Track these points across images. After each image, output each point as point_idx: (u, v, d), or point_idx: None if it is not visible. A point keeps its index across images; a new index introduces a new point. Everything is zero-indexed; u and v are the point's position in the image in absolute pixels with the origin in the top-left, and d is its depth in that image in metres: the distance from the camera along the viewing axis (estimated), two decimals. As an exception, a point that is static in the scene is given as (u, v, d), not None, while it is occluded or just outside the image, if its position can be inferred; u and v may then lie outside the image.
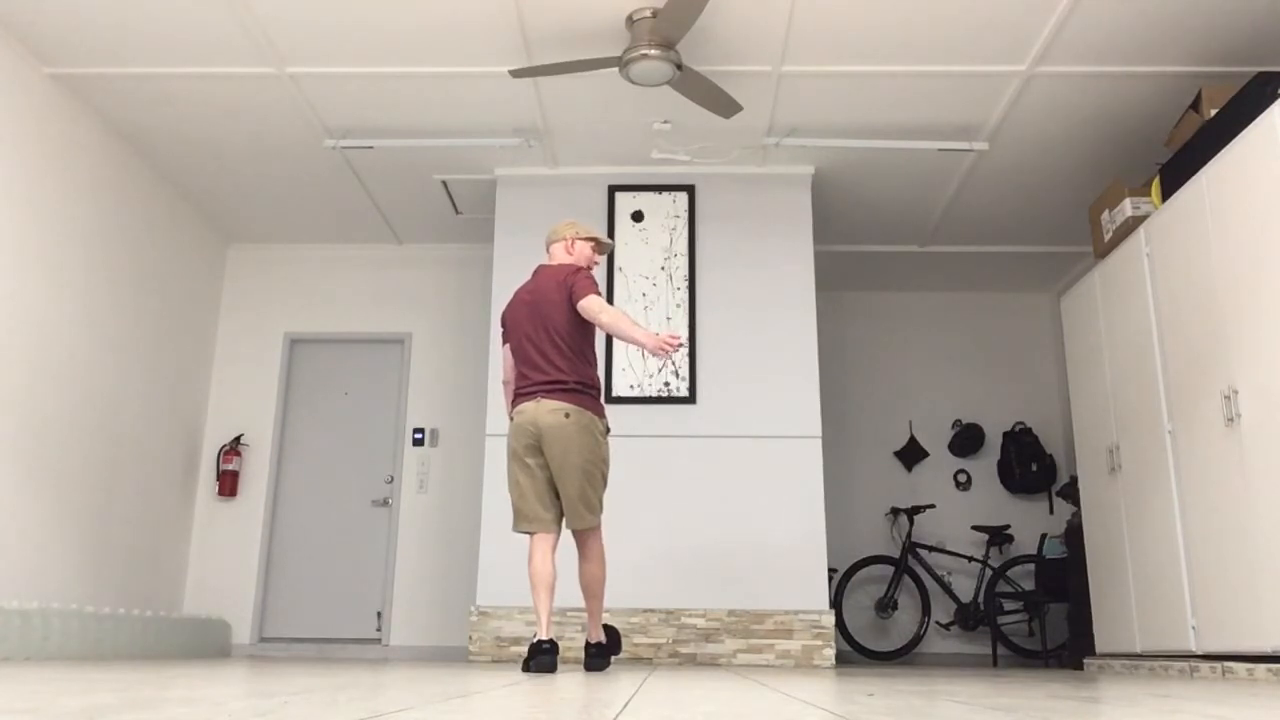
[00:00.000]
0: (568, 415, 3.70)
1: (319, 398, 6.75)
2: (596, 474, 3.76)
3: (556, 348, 3.78)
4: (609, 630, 3.96)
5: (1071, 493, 6.38)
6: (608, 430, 3.85)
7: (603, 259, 5.66)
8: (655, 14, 4.31)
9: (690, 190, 5.78)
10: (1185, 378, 4.31)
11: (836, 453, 7.31)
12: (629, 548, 5.26)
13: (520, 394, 3.81)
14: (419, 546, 6.43)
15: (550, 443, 3.70)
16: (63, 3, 4.36)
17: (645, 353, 3.78)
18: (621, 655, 5.06)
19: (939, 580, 6.84)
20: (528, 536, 4.11)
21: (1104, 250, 5.13)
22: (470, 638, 5.18)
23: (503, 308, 5.63)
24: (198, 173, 5.95)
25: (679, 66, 4.37)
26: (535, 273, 3.98)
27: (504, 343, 4.00)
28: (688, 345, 5.53)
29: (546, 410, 3.70)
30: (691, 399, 5.46)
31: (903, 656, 6.67)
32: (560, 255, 4.02)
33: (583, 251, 4.03)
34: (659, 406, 5.46)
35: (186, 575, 6.38)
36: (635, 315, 5.58)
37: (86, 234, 5.28)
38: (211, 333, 6.73)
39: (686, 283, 5.63)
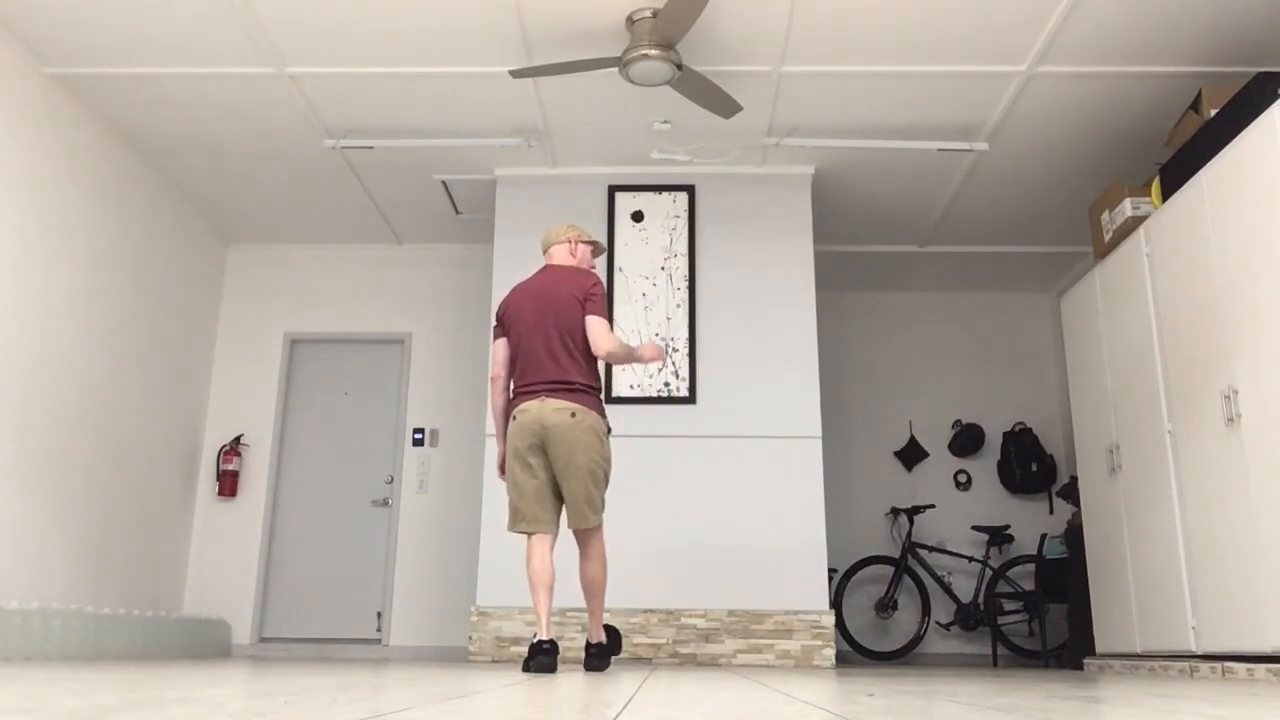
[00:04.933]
0: (573, 415, 3.69)
1: (319, 398, 6.75)
2: (600, 474, 3.76)
3: (566, 349, 3.78)
4: (609, 630, 3.96)
5: (1071, 493, 6.38)
6: (609, 430, 3.85)
7: (600, 260, 5.70)
8: (655, 14, 4.31)
9: (690, 190, 5.78)
10: (1185, 378, 4.31)
11: (836, 453, 7.31)
12: (629, 548, 5.26)
13: (523, 392, 3.79)
14: (419, 546, 6.43)
15: (555, 442, 3.69)
16: (63, 3, 4.36)
17: (646, 358, 3.88)
18: (621, 655, 5.06)
19: (939, 580, 6.84)
20: (525, 537, 4.11)
21: (1104, 250, 5.13)
22: (470, 638, 5.18)
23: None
24: (198, 173, 5.95)
25: (679, 66, 4.37)
26: (543, 271, 3.97)
27: (497, 338, 3.97)
28: (688, 345, 5.53)
29: (552, 409, 3.70)
30: (691, 399, 5.46)
31: (903, 656, 6.67)
32: (563, 256, 4.02)
33: (583, 255, 4.05)
34: (659, 406, 5.46)
35: (186, 575, 6.38)
36: (635, 315, 5.58)
37: (86, 234, 5.28)
38: (211, 333, 6.73)
39: (686, 283, 5.63)
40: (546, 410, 3.70)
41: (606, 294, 5.54)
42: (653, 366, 5.50)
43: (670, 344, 5.54)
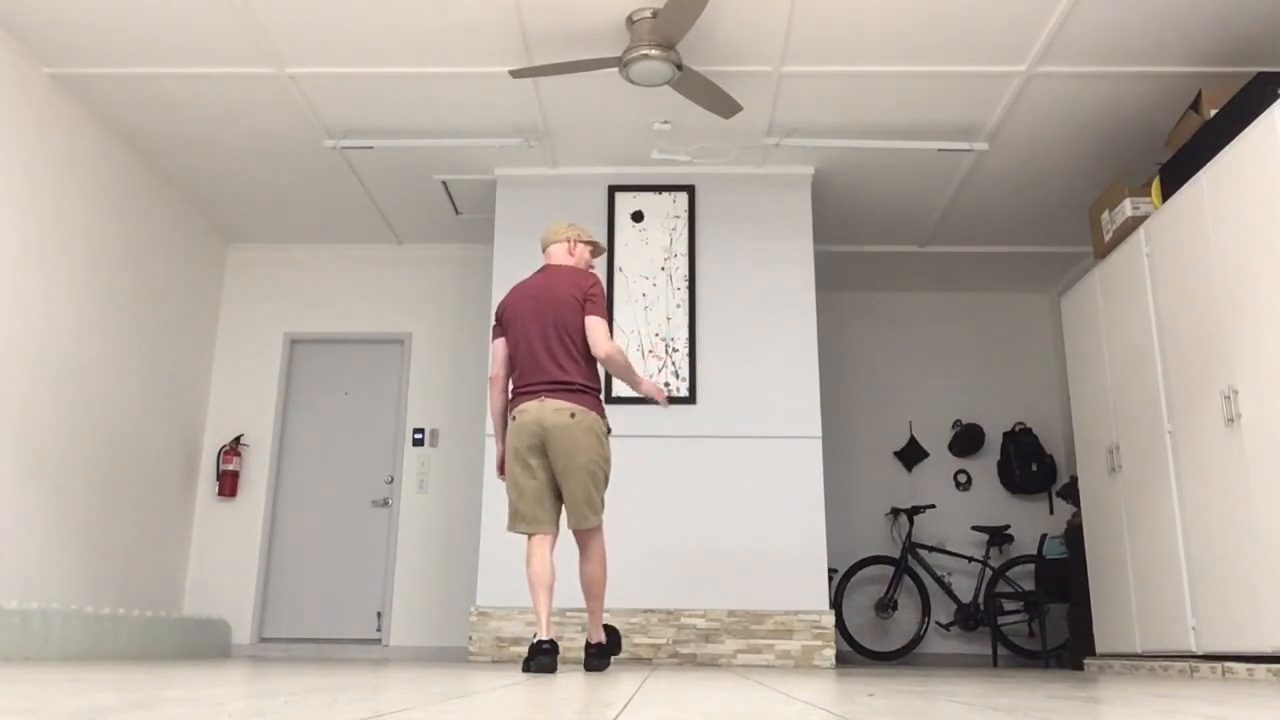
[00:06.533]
0: (573, 415, 3.69)
1: (319, 398, 6.75)
2: (600, 474, 3.76)
3: (566, 349, 3.77)
4: (609, 630, 3.95)
5: (1071, 493, 6.38)
6: (609, 430, 3.85)
7: (599, 261, 5.69)
8: (655, 14, 4.31)
9: (690, 190, 5.78)
10: (1185, 378, 4.31)
11: (836, 453, 7.31)
12: (629, 548, 5.26)
13: (522, 393, 3.79)
14: (419, 546, 6.43)
15: (555, 442, 3.69)
16: (63, 3, 4.36)
17: (643, 390, 3.90)
18: (622, 655, 5.06)
19: (939, 580, 6.84)
20: (525, 537, 4.11)
21: (1104, 250, 5.13)
22: (470, 638, 5.18)
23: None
24: (198, 173, 5.95)
25: (679, 66, 4.37)
26: (542, 271, 3.97)
27: (496, 338, 3.97)
28: (688, 345, 5.53)
29: (551, 410, 3.70)
30: (691, 399, 5.46)
31: (903, 657, 6.67)
32: (561, 256, 4.02)
33: (582, 254, 4.04)
34: (659, 406, 5.46)
35: (186, 575, 6.38)
36: (635, 315, 5.58)
37: (86, 234, 5.28)
38: (211, 333, 6.73)
39: (686, 283, 5.63)
40: (546, 411, 3.70)
41: (606, 294, 5.59)
42: (654, 364, 5.50)
43: (670, 344, 5.54)
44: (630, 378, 3.86)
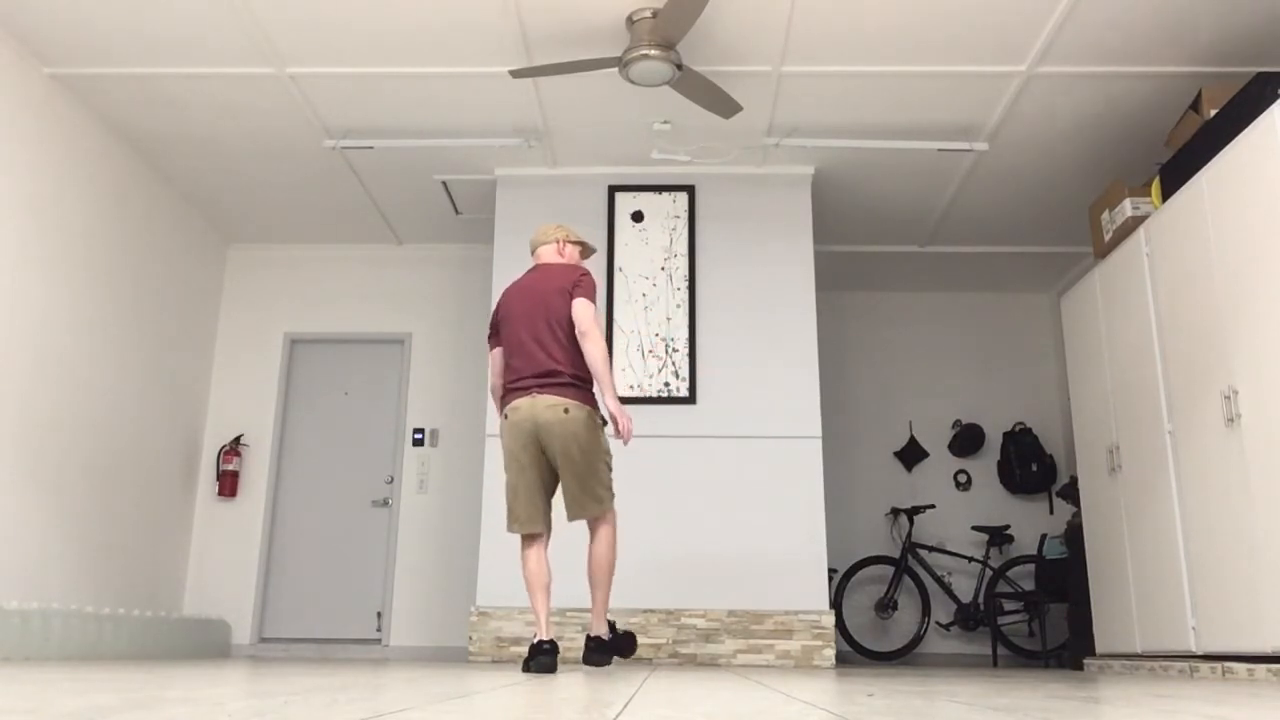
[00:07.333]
0: (567, 410, 3.67)
1: (319, 398, 6.75)
2: (600, 464, 3.73)
3: (556, 339, 3.75)
4: (626, 635, 3.92)
5: (1071, 493, 6.38)
6: (604, 422, 3.82)
7: (597, 263, 5.68)
8: (655, 14, 4.31)
9: (690, 190, 5.78)
10: (1185, 378, 4.31)
11: (836, 453, 7.31)
12: (629, 548, 5.26)
13: (513, 389, 3.76)
14: (419, 546, 6.43)
15: (550, 439, 3.67)
16: (63, 3, 4.36)
17: (610, 405, 3.76)
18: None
19: (939, 580, 6.84)
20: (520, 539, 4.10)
21: (1104, 250, 5.13)
22: (470, 638, 5.18)
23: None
24: (198, 173, 5.95)
25: (679, 67, 4.37)
26: (533, 269, 3.97)
27: (493, 347, 3.94)
28: (688, 345, 5.53)
29: (544, 406, 3.68)
30: (691, 399, 5.46)
31: (903, 657, 6.67)
32: (551, 257, 4.01)
33: (571, 255, 4.03)
34: (659, 406, 5.46)
35: (186, 575, 6.38)
36: (635, 315, 5.58)
37: (86, 234, 5.28)
38: (211, 333, 6.73)
39: (686, 283, 5.63)
40: (539, 408, 3.68)
41: (605, 294, 5.58)
42: (654, 364, 5.49)
43: (670, 344, 5.54)
44: (604, 376, 3.69)
